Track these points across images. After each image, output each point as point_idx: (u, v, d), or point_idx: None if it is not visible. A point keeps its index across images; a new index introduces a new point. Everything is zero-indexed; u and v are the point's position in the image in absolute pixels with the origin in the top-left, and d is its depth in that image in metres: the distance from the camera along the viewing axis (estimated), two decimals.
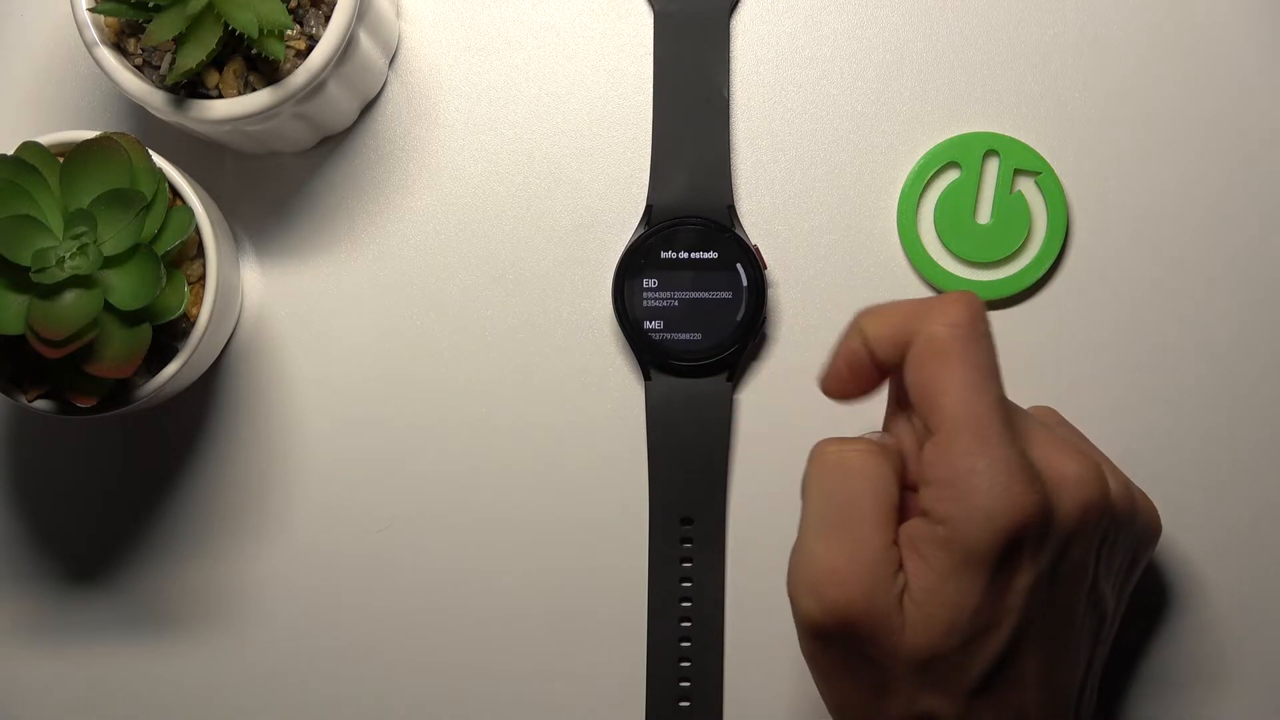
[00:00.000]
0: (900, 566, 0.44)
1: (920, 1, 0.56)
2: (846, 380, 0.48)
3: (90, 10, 0.50)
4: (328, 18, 0.51)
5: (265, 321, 0.57)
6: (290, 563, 0.56)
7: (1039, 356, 0.55)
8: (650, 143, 0.56)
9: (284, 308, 0.57)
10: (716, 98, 0.55)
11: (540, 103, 0.57)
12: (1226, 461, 0.55)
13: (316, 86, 0.51)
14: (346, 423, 0.56)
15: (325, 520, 0.56)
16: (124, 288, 0.48)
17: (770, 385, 0.56)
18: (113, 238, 0.48)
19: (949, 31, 0.56)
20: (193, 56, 0.49)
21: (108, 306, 0.48)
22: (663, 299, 0.55)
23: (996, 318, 0.56)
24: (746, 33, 0.56)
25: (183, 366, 0.51)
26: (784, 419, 0.56)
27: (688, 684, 0.55)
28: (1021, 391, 0.54)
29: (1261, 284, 0.55)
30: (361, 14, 0.52)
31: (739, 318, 0.54)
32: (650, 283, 0.55)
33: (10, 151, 0.49)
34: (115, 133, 0.49)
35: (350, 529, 0.56)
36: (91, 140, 0.49)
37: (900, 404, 0.47)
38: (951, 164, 0.56)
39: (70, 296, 0.47)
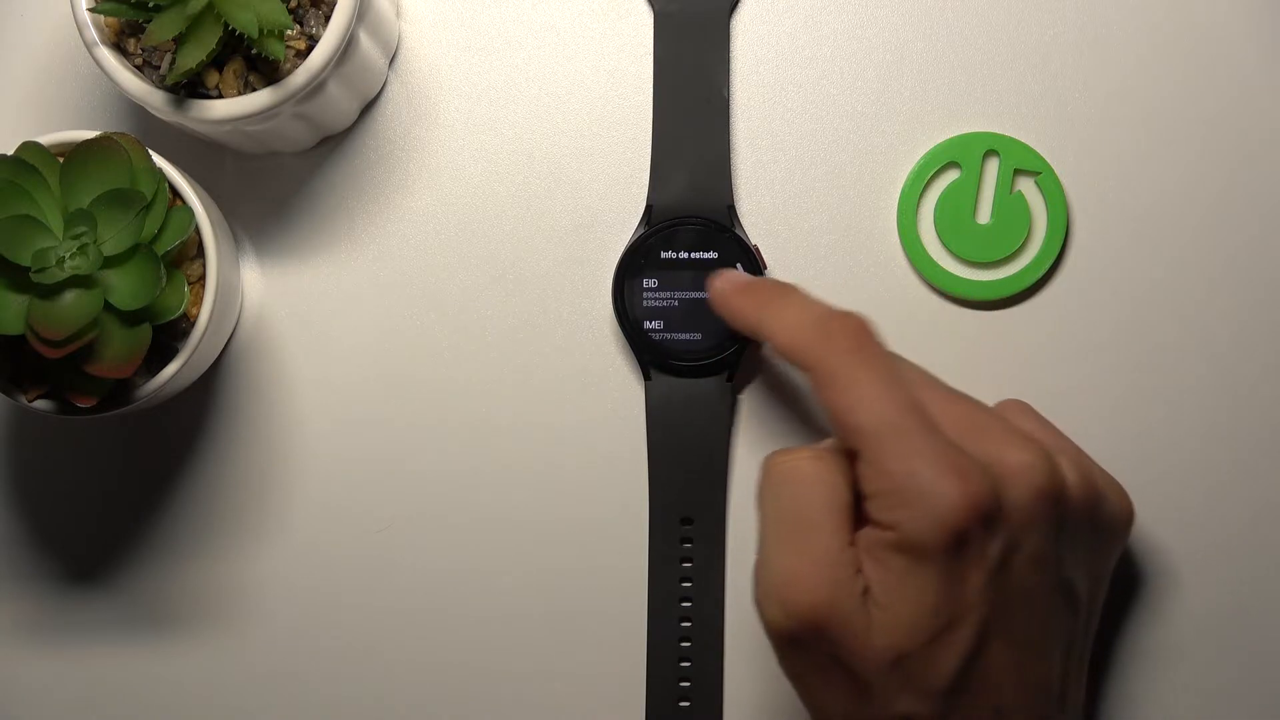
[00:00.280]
0: (860, 569, 0.45)
1: (920, 1, 0.56)
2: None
3: (90, 10, 0.50)
4: (328, 18, 0.51)
5: (265, 321, 0.57)
6: (290, 563, 0.56)
7: (1039, 356, 0.55)
8: (650, 143, 0.56)
9: (284, 308, 0.57)
10: (716, 98, 0.55)
11: (540, 103, 0.57)
12: (1226, 461, 0.55)
13: (316, 86, 0.51)
14: (346, 423, 0.56)
15: (325, 520, 0.56)
16: (124, 288, 0.48)
17: (770, 385, 0.56)
18: (113, 238, 0.48)
19: (949, 31, 0.56)
20: (193, 56, 0.49)
21: (108, 306, 0.48)
22: (663, 299, 0.55)
23: (996, 318, 0.56)
24: (746, 33, 0.56)
25: (183, 366, 0.51)
26: (784, 419, 0.56)
27: (688, 684, 0.55)
28: (1021, 391, 0.54)
29: (1261, 284, 0.55)
30: (361, 14, 0.52)
31: None
32: (650, 283, 0.55)
33: (10, 151, 0.49)
34: (115, 133, 0.49)
35: (350, 529, 0.56)
36: (91, 140, 0.49)
37: None
38: (951, 164, 0.56)
39: (70, 296, 0.47)
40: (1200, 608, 0.55)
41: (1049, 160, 0.55)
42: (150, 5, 0.49)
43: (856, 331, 0.47)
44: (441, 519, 0.56)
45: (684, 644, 0.55)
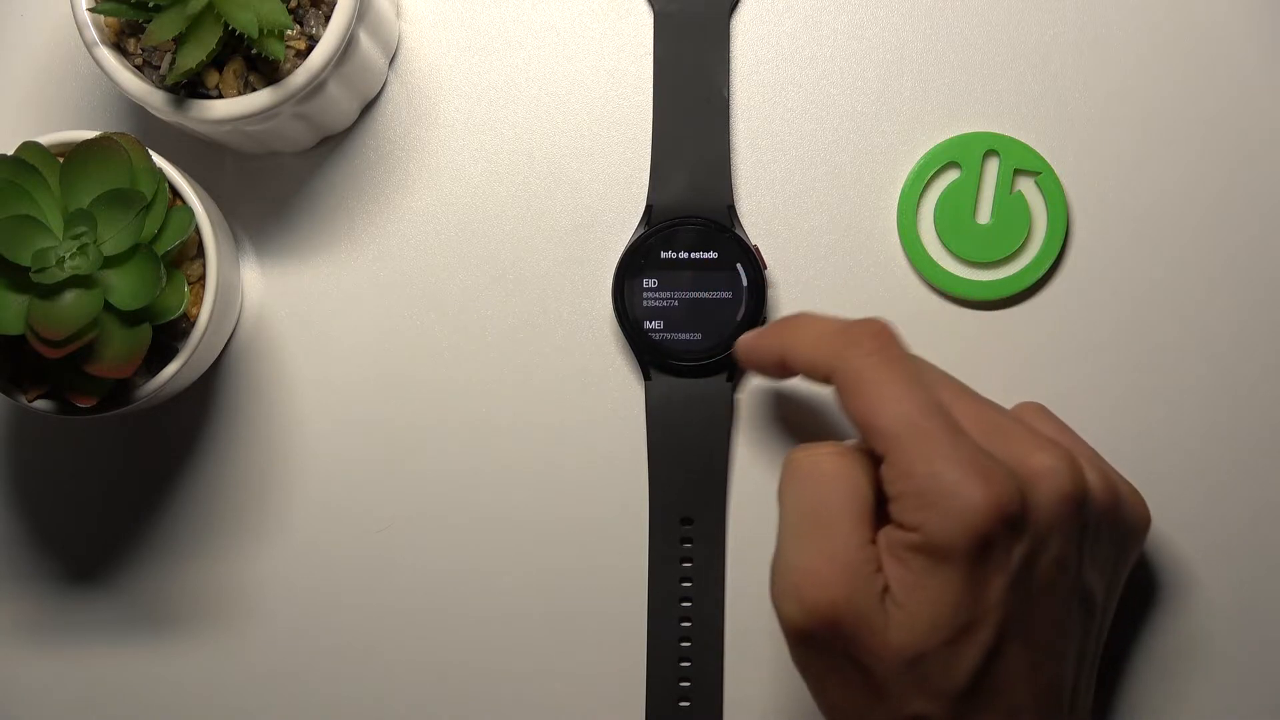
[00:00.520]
0: (879, 567, 0.45)
1: (920, 1, 0.56)
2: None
3: (90, 10, 0.50)
4: (328, 18, 0.51)
5: (265, 321, 0.57)
6: (290, 563, 0.56)
7: (1039, 356, 0.55)
8: (650, 143, 0.56)
9: (284, 308, 0.57)
10: (716, 98, 0.55)
11: (540, 103, 0.57)
12: (1226, 461, 0.55)
13: (316, 86, 0.51)
14: (346, 423, 0.56)
15: (325, 520, 0.56)
16: (124, 288, 0.48)
17: (770, 385, 0.56)
18: (113, 238, 0.48)
19: (949, 31, 0.56)
20: (193, 56, 0.49)
21: (108, 306, 0.48)
22: (663, 299, 0.55)
23: (996, 318, 0.56)
24: (746, 33, 0.56)
25: (183, 366, 0.51)
26: (784, 419, 0.56)
27: (688, 684, 0.55)
28: (1022, 391, 0.54)
29: (1261, 284, 0.55)
30: (361, 14, 0.52)
31: (739, 318, 0.54)
32: (650, 283, 0.55)
33: (10, 151, 0.49)
34: (115, 133, 0.49)
35: (350, 529, 0.56)
36: (91, 140, 0.49)
37: None
38: (951, 164, 0.56)
39: (70, 296, 0.47)
40: (1200, 608, 0.55)
41: (1049, 160, 0.55)
42: (150, 5, 0.49)
43: (878, 334, 0.47)
44: (441, 519, 0.56)
45: (684, 644, 0.55)
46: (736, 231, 0.55)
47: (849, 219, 0.56)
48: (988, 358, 0.55)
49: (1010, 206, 0.55)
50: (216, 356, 0.56)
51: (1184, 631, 0.55)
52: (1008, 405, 0.52)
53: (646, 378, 0.55)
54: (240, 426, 0.57)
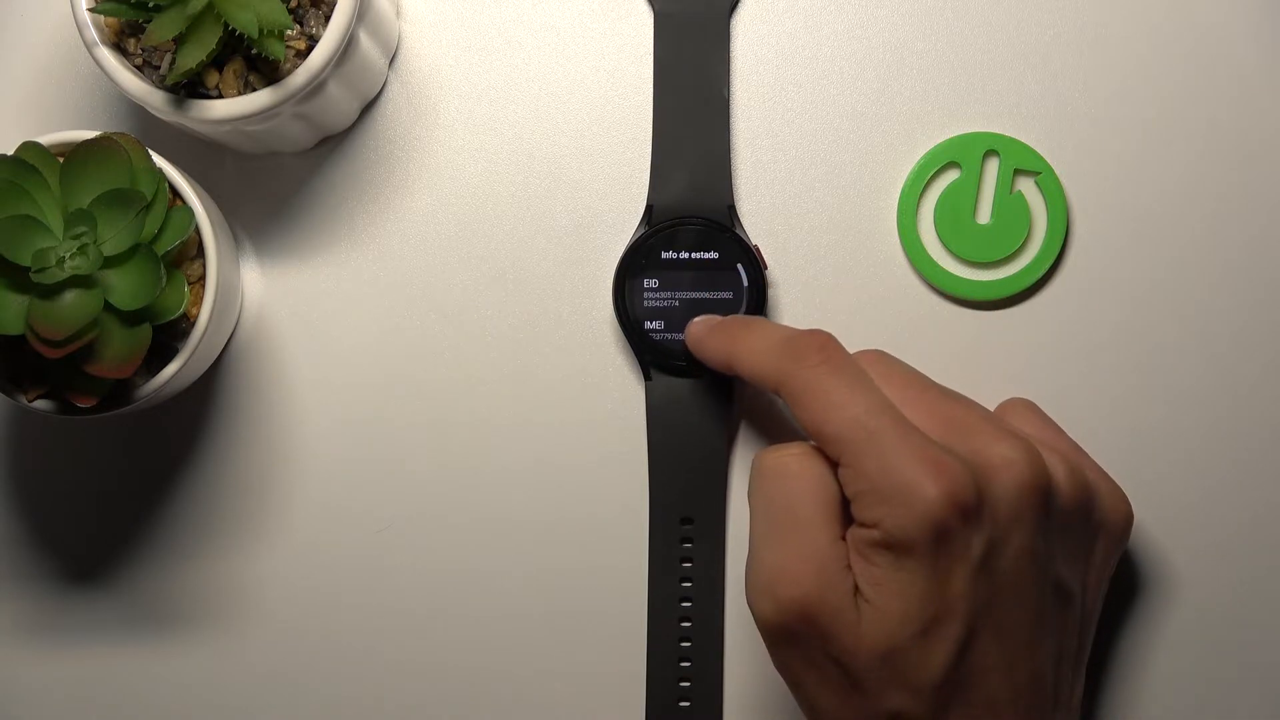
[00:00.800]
0: (849, 565, 0.46)
1: (920, 1, 0.56)
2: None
3: (90, 10, 0.50)
4: (328, 18, 0.51)
5: (265, 321, 0.57)
6: (290, 563, 0.56)
7: (1039, 356, 0.55)
8: (650, 143, 0.56)
9: (284, 308, 0.57)
10: (716, 98, 0.55)
11: (540, 103, 0.57)
12: (1226, 461, 0.55)
13: (316, 86, 0.51)
14: (346, 423, 0.56)
15: (325, 520, 0.56)
16: (124, 288, 0.48)
17: None
18: (113, 238, 0.48)
19: (949, 31, 0.56)
20: (193, 56, 0.49)
21: (108, 306, 0.48)
22: (663, 299, 0.55)
23: (996, 318, 0.56)
24: (746, 33, 0.56)
25: (183, 366, 0.51)
26: (784, 419, 0.56)
27: (688, 684, 0.55)
28: (1022, 391, 0.54)
29: (1261, 284, 0.55)
30: (361, 14, 0.52)
31: None
32: (651, 283, 0.55)
33: (10, 151, 0.49)
34: (115, 133, 0.49)
35: (350, 529, 0.56)
36: (91, 140, 0.49)
37: None
38: (951, 164, 0.56)
39: (70, 296, 0.47)
40: (1199, 608, 0.55)
41: (1049, 160, 0.55)
42: (150, 5, 0.49)
43: (821, 346, 0.48)
44: (441, 519, 0.56)
45: (684, 644, 0.55)
46: (737, 231, 0.55)
47: (849, 219, 0.56)
48: (988, 358, 0.55)
49: (1010, 206, 0.55)
50: (216, 356, 0.56)
51: (1184, 631, 0.55)
52: None
53: (647, 378, 0.55)
54: (240, 426, 0.57)
